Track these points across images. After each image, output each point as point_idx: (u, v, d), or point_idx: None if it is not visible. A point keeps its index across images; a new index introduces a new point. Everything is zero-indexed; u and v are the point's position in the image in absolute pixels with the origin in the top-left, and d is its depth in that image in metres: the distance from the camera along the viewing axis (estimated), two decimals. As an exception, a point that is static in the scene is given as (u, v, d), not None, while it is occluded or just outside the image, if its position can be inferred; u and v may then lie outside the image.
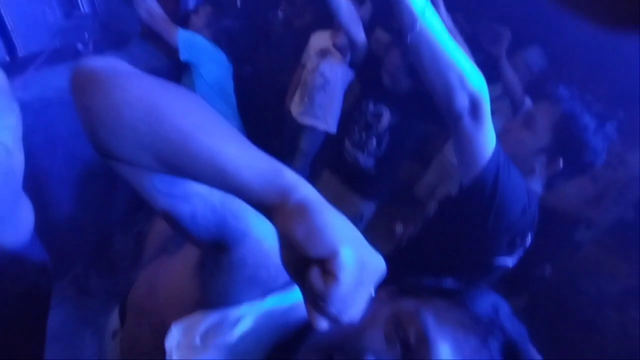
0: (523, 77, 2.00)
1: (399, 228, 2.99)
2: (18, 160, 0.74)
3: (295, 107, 2.40)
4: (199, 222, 0.53)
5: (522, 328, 0.50)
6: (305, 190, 0.42)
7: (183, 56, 2.00)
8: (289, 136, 2.56)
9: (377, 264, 0.41)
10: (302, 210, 0.39)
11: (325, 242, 0.37)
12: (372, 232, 2.15)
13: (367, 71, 1.78)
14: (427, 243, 1.23)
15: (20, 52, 1.58)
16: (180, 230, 0.54)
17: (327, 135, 2.40)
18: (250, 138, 0.47)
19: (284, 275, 0.54)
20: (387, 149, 1.81)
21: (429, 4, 0.86)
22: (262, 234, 0.54)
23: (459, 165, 1.00)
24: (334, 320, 0.40)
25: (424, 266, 1.19)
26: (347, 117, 1.89)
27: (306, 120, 2.36)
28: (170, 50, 2.04)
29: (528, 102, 1.94)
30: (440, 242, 1.17)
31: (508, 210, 0.97)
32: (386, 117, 1.74)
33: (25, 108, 0.80)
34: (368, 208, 2.06)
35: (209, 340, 0.52)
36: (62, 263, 2.13)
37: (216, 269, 0.55)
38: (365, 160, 1.85)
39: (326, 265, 0.37)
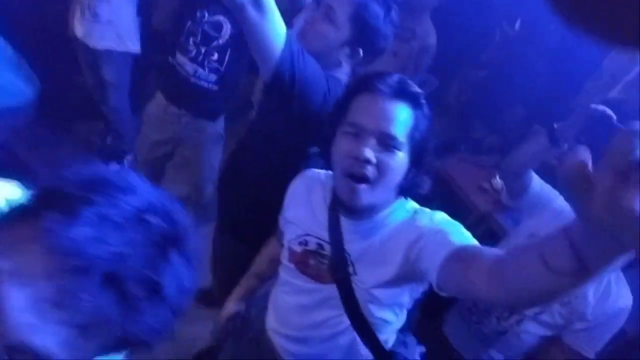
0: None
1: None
2: None
3: (80, 28, 1.95)
4: None
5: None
6: None
7: None
8: (88, 66, 2.12)
9: None
10: None
11: None
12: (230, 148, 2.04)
13: None
14: (253, 146, 1.25)
15: None
16: None
17: (137, 56, 2.06)
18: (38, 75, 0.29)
19: None
20: (229, 63, 1.63)
21: None
22: None
23: (258, 63, 0.98)
24: None
25: (254, 170, 1.22)
26: (175, 31, 1.60)
27: (99, 42, 1.96)
28: None
29: None
30: (263, 143, 1.20)
31: (309, 99, 1.00)
32: (227, 29, 1.56)
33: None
34: (219, 127, 1.86)
35: None
36: None
37: None
38: (207, 77, 1.63)
39: None
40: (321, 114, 1.02)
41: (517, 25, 2.89)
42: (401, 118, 0.77)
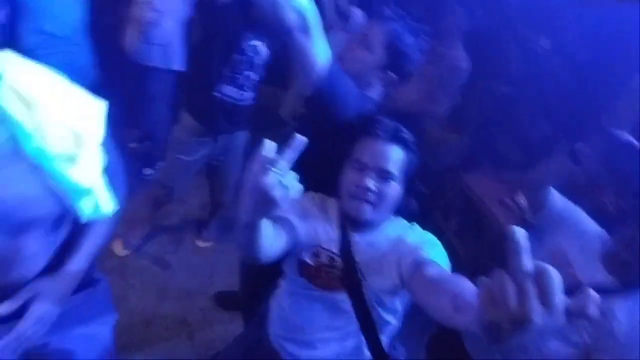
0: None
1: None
2: None
3: (132, 47, 2.13)
4: None
5: None
6: None
7: None
8: (133, 80, 2.29)
9: None
10: None
11: None
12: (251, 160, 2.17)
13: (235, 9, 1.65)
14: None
15: None
16: None
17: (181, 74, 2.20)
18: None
19: None
20: (262, 79, 1.81)
21: None
22: None
23: (300, 79, 1.07)
24: None
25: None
26: (219, 64, 1.70)
27: (146, 61, 2.12)
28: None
29: (358, 12, 2.03)
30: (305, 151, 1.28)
31: (345, 114, 1.09)
32: (263, 51, 1.71)
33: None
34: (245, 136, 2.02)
35: None
36: None
37: None
38: (249, 96, 1.80)
39: None
40: (356, 126, 1.11)
41: (547, 43, 2.87)
42: (395, 157, 0.96)
